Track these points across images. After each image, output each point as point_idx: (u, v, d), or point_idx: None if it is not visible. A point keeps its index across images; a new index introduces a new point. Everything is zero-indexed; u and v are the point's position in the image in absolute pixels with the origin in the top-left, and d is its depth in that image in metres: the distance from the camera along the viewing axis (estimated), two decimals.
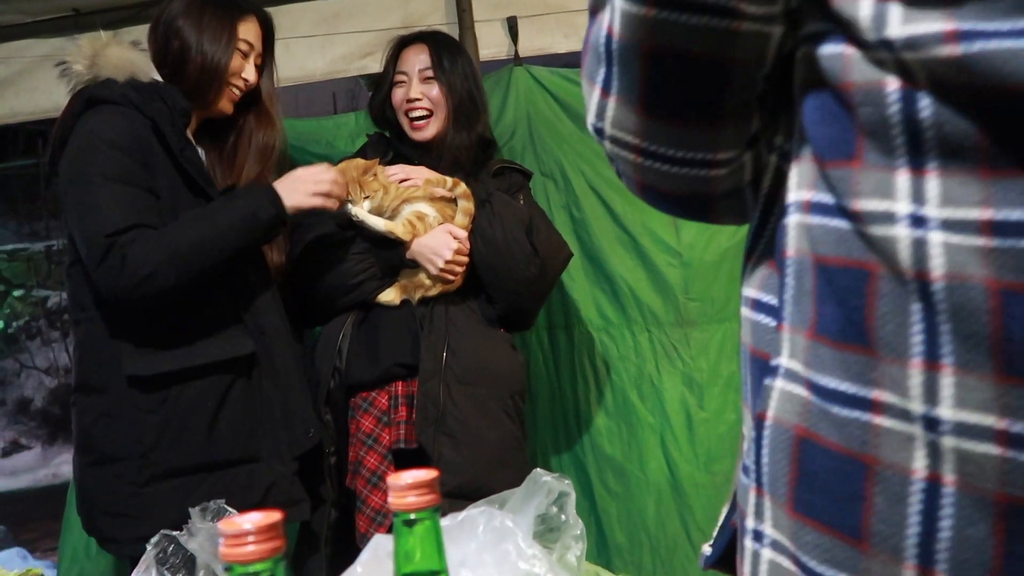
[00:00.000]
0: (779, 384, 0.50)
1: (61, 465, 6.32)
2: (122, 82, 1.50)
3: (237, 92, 1.62)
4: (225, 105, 1.62)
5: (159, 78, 1.55)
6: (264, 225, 1.52)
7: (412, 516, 0.51)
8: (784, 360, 0.50)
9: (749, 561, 0.52)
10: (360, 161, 1.73)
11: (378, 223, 1.69)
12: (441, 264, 1.67)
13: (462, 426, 1.62)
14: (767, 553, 0.50)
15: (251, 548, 0.42)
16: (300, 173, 1.60)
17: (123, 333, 1.47)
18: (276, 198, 1.54)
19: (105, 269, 1.41)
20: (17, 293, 7.43)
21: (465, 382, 1.65)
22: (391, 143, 1.86)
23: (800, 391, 0.48)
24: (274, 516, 0.43)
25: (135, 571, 1.32)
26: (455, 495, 1.49)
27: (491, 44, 2.28)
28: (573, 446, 2.26)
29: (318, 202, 1.58)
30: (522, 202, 1.83)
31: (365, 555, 0.59)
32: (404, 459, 1.66)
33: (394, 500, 0.51)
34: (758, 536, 0.51)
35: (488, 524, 0.59)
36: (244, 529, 0.42)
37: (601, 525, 2.21)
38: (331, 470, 1.66)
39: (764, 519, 0.50)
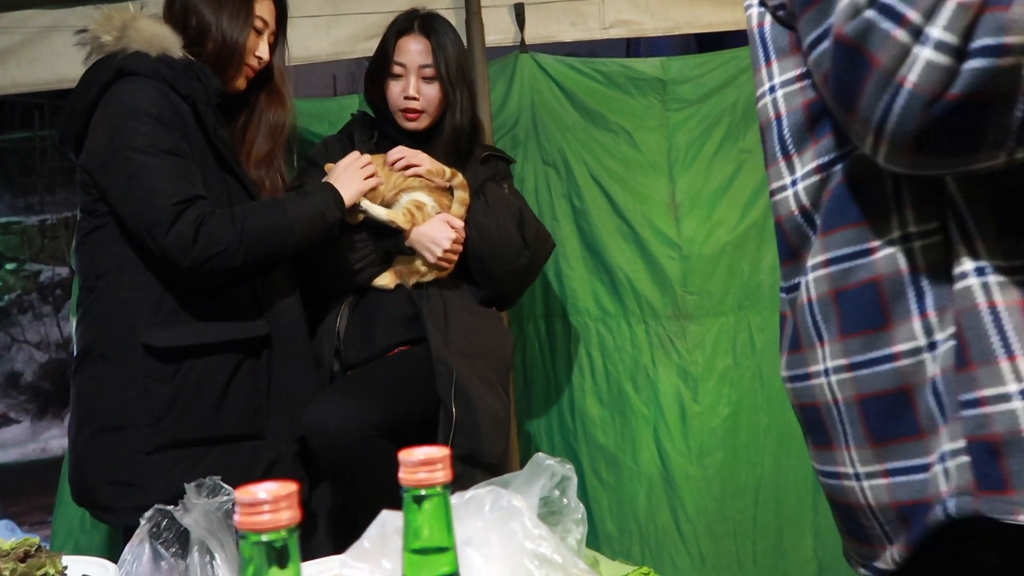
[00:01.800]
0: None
1: (50, 440, 6.31)
2: (154, 56, 1.50)
3: (251, 70, 1.62)
4: (239, 83, 1.62)
5: (189, 55, 1.54)
6: (328, 224, 1.59)
7: (423, 492, 0.51)
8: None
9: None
10: (366, 156, 1.75)
11: (380, 212, 1.71)
12: (440, 253, 1.70)
13: (472, 392, 1.65)
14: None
15: (266, 517, 0.42)
16: (345, 165, 1.67)
17: (140, 303, 1.48)
18: (341, 201, 1.61)
19: (176, 236, 1.43)
20: (10, 266, 7.39)
21: (466, 354, 1.68)
22: (376, 124, 1.86)
23: None
24: (290, 487, 0.43)
25: (128, 544, 1.32)
26: (466, 459, 1.53)
27: (497, 30, 2.27)
28: (566, 435, 2.26)
29: (373, 182, 1.68)
30: (507, 190, 1.86)
31: (372, 530, 0.59)
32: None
33: (405, 476, 0.51)
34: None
35: (495, 503, 0.59)
36: (260, 498, 0.42)
37: (592, 514, 2.22)
38: None
39: None
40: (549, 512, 0.71)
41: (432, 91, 1.79)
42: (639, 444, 2.21)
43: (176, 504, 1.23)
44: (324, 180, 1.66)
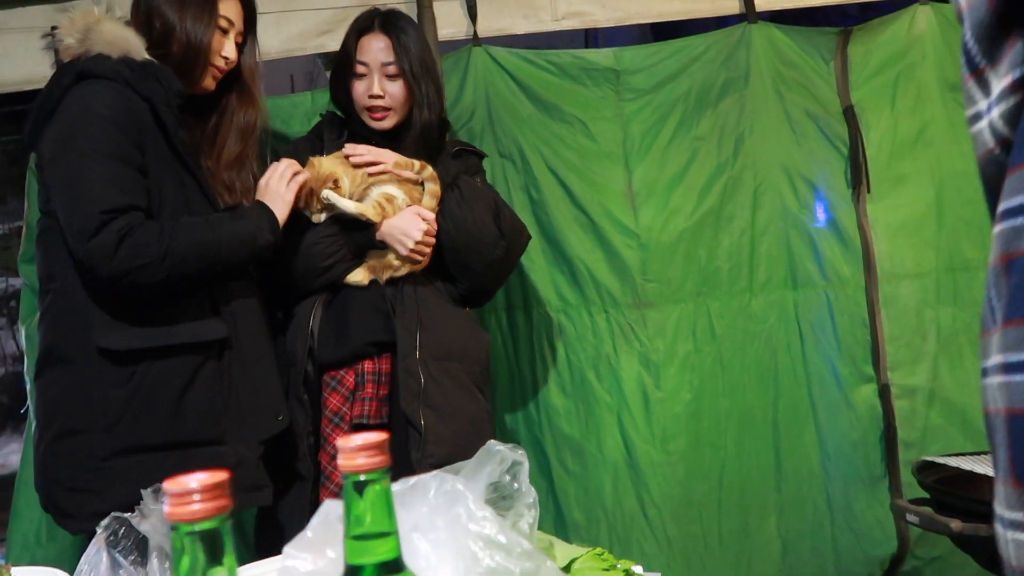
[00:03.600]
0: None
1: (9, 455, 6.15)
2: (115, 59, 1.48)
3: (218, 71, 1.61)
4: (207, 83, 1.61)
5: (150, 58, 1.53)
6: (259, 248, 1.58)
7: (362, 478, 0.51)
8: None
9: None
10: (330, 157, 1.74)
11: (349, 205, 1.70)
12: (411, 245, 1.69)
13: (444, 399, 1.66)
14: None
15: (197, 507, 0.42)
16: (265, 181, 1.66)
17: (96, 306, 1.46)
18: (275, 223, 1.60)
19: (98, 245, 1.41)
20: None
21: (440, 358, 1.68)
22: (346, 123, 1.85)
23: None
24: (220, 475, 0.43)
25: (85, 553, 1.30)
26: (444, 465, 1.53)
27: (449, 24, 2.26)
28: (531, 426, 2.27)
29: (297, 183, 1.66)
30: (479, 183, 1.85)
31: (315, 520, 0.59)
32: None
33: (344, 462, 0.51)
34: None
35: (439, 488, 0.59)
36: (190, 488, 0.42)
37: (559, 503, 2.23)
38: (310, 449, 1.66)
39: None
40: (500, 497, 0.71)
41: (396, 88, 1.78)
42: (603, 432, 2.22)
43: (134, 511, 1.22)
44: (256, 198, 1.64)
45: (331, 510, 0.59)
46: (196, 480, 0.42)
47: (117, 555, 1.31)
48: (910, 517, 1.70)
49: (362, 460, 0.51)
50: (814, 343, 2.29)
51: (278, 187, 1.64)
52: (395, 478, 1.84)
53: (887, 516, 2.20)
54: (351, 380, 1.68)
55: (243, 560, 1.82)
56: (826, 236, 2.31)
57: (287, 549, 0.59)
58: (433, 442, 1.61)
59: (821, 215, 2.33)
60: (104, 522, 1.30)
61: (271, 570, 0.79)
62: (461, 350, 1.74)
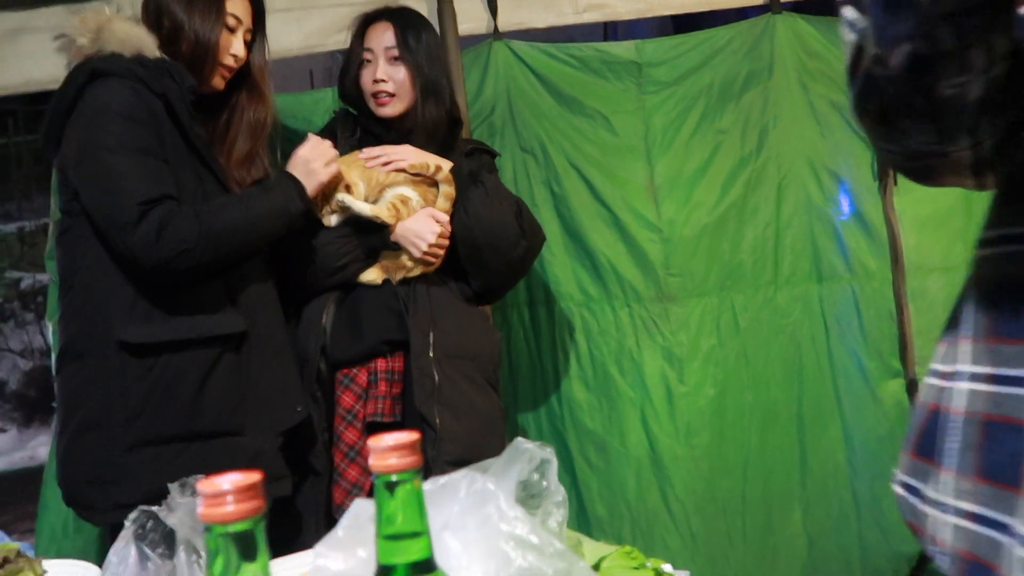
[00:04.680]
0: None
1: (38, 448, 6.25)
2: (128, 57, 1.50)
3: (227, 69, 1.62)
4: (217, 82, 1.62)
5: (163, 55, 1.54)
6: (292, 217, 1.60)
7: (394, 478, 0.51)
8: None
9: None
10: (345, 159, 1.74)
11: (364, 208, 1.70)
12: (425, 247, 1.69)
13: (458, 397, 1.66)
14: None
15: (231, 508, 0.42)
16: (303, 154, 1.65)
17: (116, 300, 1.48)
18: (303, 192, 1.62)
19: (142, 236, 1.43)
20: None
21: (453, 356, 1.68)
22: (358, 120, 1.85)
23: None
24: (253, 476, 0.43)
25: (113, 546, 1.31)
26: (460, 463, 1.52)
27: (470, 18, 2.25)
28: (554, 420, 2.27)
29: (334, 169, 1.67)
30: None
31: (345, 520, 0.59)
32: (382, 432, 1.67)
33: (375, 462, 0.51)
34: None
35: (470, 488, 0.59)
36: (223, 489, 0.42)
37: (582, 498, 2.23)
38: (326, 446, 1.67)
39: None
40: (529, 495, 0.71)
41: (400, 74, 1.78)
42: (626, 427, 2.21)
43: (156, 502, 1.23)
44: (285, 170, 1.65)
45: (362, 510, 0.59)
46: (229, 481, 0.42)
47: (145, 548, 1.33)
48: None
49: (394, 460, 0.50)
50: (839, 337, 2.26)
51: (315, 163, 1.63)
52: None
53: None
54: (364, 378, 1.68)
55: None
56: (852, 229, 2.28)
57: (318, 548, 0.59)
58: (448, 440, 1.61)
59: (846, 208, 2.30)
60: (132, 515, 1.31)
61: (299, 565, 0.79)
62: (474, 348, 1.74)
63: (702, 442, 2.21)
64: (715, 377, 2.22)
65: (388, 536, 0.51)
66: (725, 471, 2.22)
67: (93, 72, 1.48)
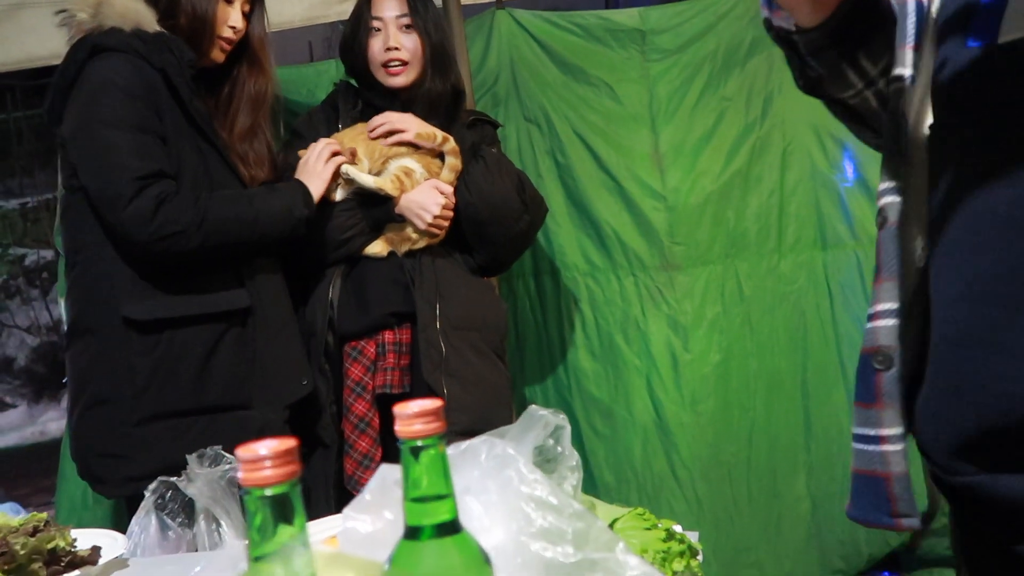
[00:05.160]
0: None
1: (48, 423, 6.32)
2: (128, 31, 1.50)
3: (226, 42, 1.61)
4: (216, 55, 1.61)
5: (162, 29, 1.54)
6: (295, 221, 1.60)
7: (419, 443, 0.53)
8: None
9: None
10: (349, 131, 1.75)
11: (367, 180, 1.71)
12: (429, 219, 1.70)
13: (466, 368, 1.68)
14: None
15: (268, 472, 0.43)
16: (305, 157, 1.69)
17: (121, 277, 1.49)
18: (309, 199, 1.63)
19: (134, 211, 1.44)
20: None
21: (459, 328, 1.70)
22: (360, 92, 1.85)
23: None
24: (289, 442, 0.45)
25: (135, 516, 1.34)
26: (468, 433, 1.54)
27: None
28: (560, 389, 2.29)
29: (334, 165, 1.68)
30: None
31: (372, 483, 0.61)
32: (390, 403, 1.69)
33: (401, 428, 0.52)
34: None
35: (490, 452, 0.61)
36: (261, 454, 0.44)
37: (589, 465, 2.26)
38: (334, 418, 1.69)
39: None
40: (544, 460, 0.73)
41: (412, 42, 1.77)
42: (632, 395, 2.24)
43: (166, 474, 1.26)
44: (294, 176, 1.67)
45: (387, 474, 0.61)
46: (267, 447, 0.44)
47: (165, 517, 1.36)
48: None
49: (419, 426, 0.52)
50: (844, 303, 2.28)
51: (315, 165, 1.67)
52: None
53: (917, 475, 2.21)
54: (372, 350, 1.70)
55: None
56: (856, 195, 2.28)
57: (347, 511, 0.61)
58: (456, 410, 1.63)
59: (851, 174, 2.30)
60: (151, 486, 1.34)
61: (328, 528, 0.81)
62: (480, 319, 1.75)
63: (707, 409, 2.23)
64: (720, 344, 2.24)
65: (415, 499, 0.53)
66: (730, 437, 2.25)
67: (93, 48, 1.48)
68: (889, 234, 0.78)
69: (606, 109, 2.25)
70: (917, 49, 0.78)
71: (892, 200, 0.79)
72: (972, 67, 0.73)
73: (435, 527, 0.53)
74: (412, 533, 0.53)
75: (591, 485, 2.26)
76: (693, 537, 0.88)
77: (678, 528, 0.84)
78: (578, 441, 2.28)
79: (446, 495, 0.53)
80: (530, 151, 2.25)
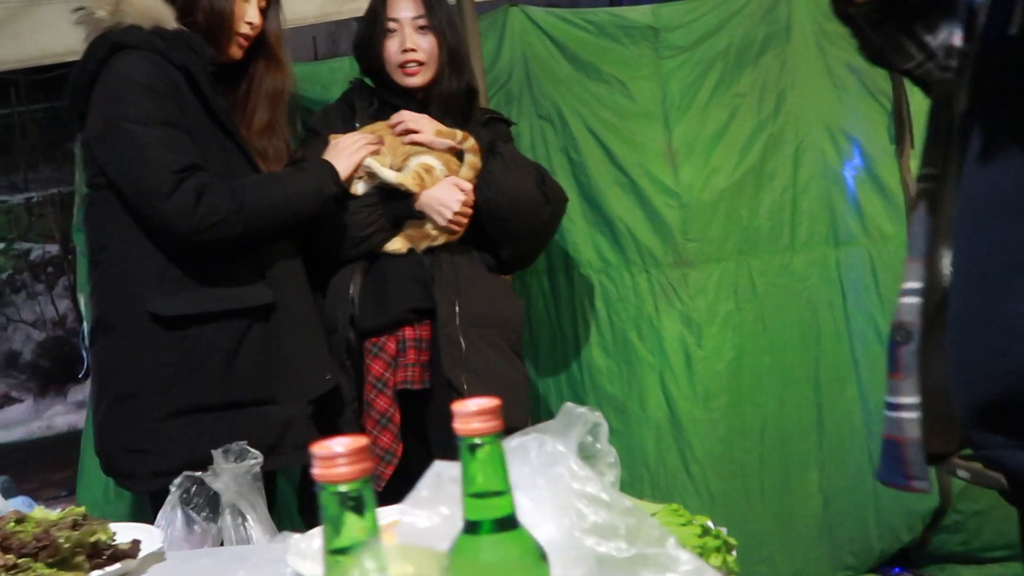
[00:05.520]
0: None
1: (54, 417, 6.34)
2: (147, 29, 1.50)
3: (244, 38, 1.62)
4: (234, 51, 1.62)
5: (181, 26, 1.55)
6: (325, 199, 1.63)
7: (477, 440, 0.54)
8: None
9: None
10: (371, 127, 1.77)
11: (389, 174, 1.72)
12: (449, 216, 1.71)
13: (485, 364, 1.69)
14: None
15: (343, 469, 0.44)
16: (338, 141, 1.71)
17: (146, 273, 1.50)
18: (337, 176, 1.65)
19: (175, 205, 1.46)
20: None
21: (478, 324, 1.71)
22: (375, 91, 1.86)
23: None
24: (362, 440, 0.46)
25: (161, 511, 1.36)
26: None
27: None
28: (574, 386, 2.30)
29: (366, 151, 1.71)
30: None
31: (427, 480, 0.62)
32: (410, 399, 1.71)
33: (459, 426, 0.54)
34: None
35: (540, 449, 0.62)
36: (336, 451, 0.45)
37: None
38: (356, 414, 1.70)
39: None
40: (584, 457, 0.74)
41: (428, 43, 1.78)
42: (646, 391, 2.25)
43: (192, 470, 1.27)
44: (323, 156, 1.68)
45: (442, 470, 0.62)
46: (341, 444, 0.45)
47: (191, 512, 1.37)
48: (960, 472, 1.71)
49: (477, 424, 0.53)
50: (856, 300, 2.29)
51: (348, 147, 1.69)
52: (440, 442, 1.86)
53: (930, 471, 2.22)
54: (392, 346, 1.71)
55: (291, 525, 1.87)
56: (868, 192, 2.29)
57: (403, 506, 0.62)
58: None
59: (863, 171, 2.31)
60: (177, 481, 1.35)
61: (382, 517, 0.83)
62: (498, 316, 1.77)
63: (720, 405, 2.25)
64: (733, 341, 2.25)
65: (473, 494, 0.54)
66: (743, 433, 2.26)
67: (113, 45, 1.49)
68: (919, 217, 0.84)
69: (619, 106, 2.26)
70: (967, 40, 0.80)
71: (927, 187, 0.83)
72: (1003, 56, 0.75)
73: (493, 522, 0.54)
74: (471, 527, 0.54)
75: None
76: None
77: (712, 525, 0.85)
78: None
79: (503, 491, 0.54)
80: (543, 148, 2.26)
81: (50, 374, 6.77)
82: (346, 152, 1.68)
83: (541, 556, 0.55)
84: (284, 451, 1.56)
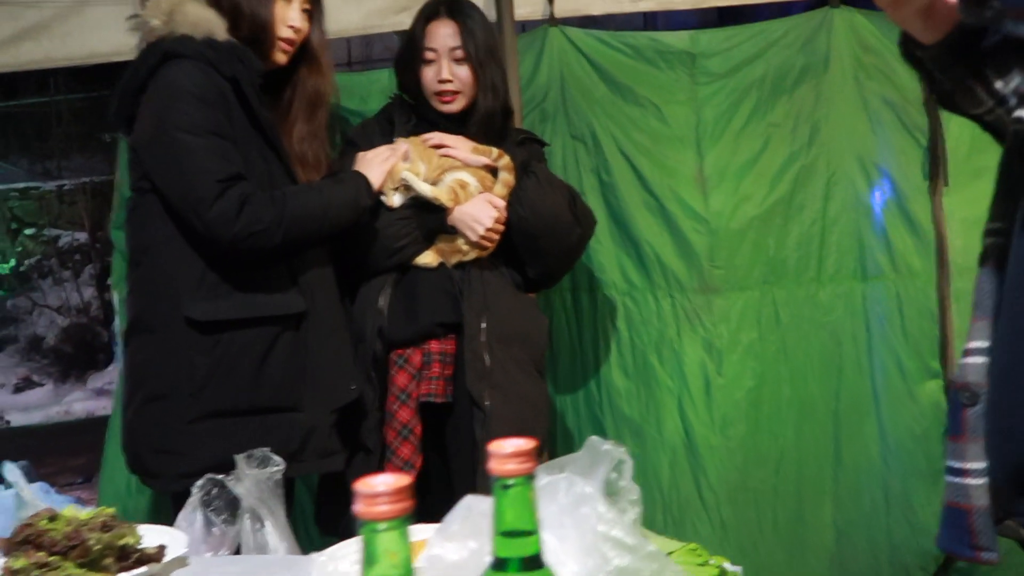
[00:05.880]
0: None
1: (72, 403, 6.42)
2: (199, 39, 1.53)
3: (288, 43, 1.64)
4: (278, 56, 1.64)
5: (231, 38, 1.57)
6: (360, 210, 1.66)
7: (511, 482, 0.55)
8: None
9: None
10: (408, 140, 1.79)
11: (425, 188, 1.75)
12: (481, 232, 1.73)
13: (508, 381, 1.71)
14: None
15: (383, 508, 0.46)
16: (362, 155, 1.74)
17: (184, 277, 1.53)
18: (370, 187, 1.68)
19: (218, 213, 1.49)
20: (29, 232, 7.45)
21: (504, 341, 1.73)
22: (414, 108, 1.88)
23: None
24: (404, 480, 0.47)
25: (181, 512, 1.38)
26: None
27: (526, 3, 2.26)
28: (592, 405, 2.31)
29: (394, 159, 1.73)
30: None
31: (458, 513, 0.63)
32: (432, 412, 1.72)
33: (495, 466, 0.55)
34: None
35: (569, 490, 0.63)
36: (378, 490, 0.46)
37: None
38: (378, 424, 1.72)
39: None
40: (607, 493, 0.75)
41: (464, 72, 1.81)
42: (663, 415, 2.25)
43: (217, 472, 1.29)
44: (353, 168, 1.71)
45: (472, 504, 0.64)
46: (384, 483, 0.46)
47: (210, 514, 1.39)
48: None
49: (512, 466, 0.54)
50: (881, 335, 2.27)
51: (375, 158, 1.72)
52: (459, 456, 1.88)
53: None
54: (418, 359, 1.73)
55: (306, 531, 1.85)
56: (899, 228, 2.28)
57: (433, 538, 0.63)
58: (497, 421, 1.66)
59: (895, 206, 2.30)
60: (199, 483, 1.38)
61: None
62: (524, 334, 1.78)
63: (737, 433, 2.24)
64: (754, 370, 2.25)
65: (503, 532, 0.55)
66: (759, 462, 2.25)
67: (165, 54, 1.52)
68: (987, 274, 0.81)
69: (652, 129, 2.27)
70: None
71: (995, 242, 0.80)
72: None
73: (521, 560, 0.55)
74: (499, 565, 0.55)
75: None
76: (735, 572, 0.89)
77: (728, 566, 0.86)
78: None
79: (532, 531, 0.55)
80: (575, 168, 2.27)
81: (72, 360, 6.86)
82: (376, 162, 1.71)
83: None
84: (306, 458, 1.58)
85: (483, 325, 1.71)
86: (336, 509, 1.74)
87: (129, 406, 1.59)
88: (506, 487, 0.55)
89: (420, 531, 0.83)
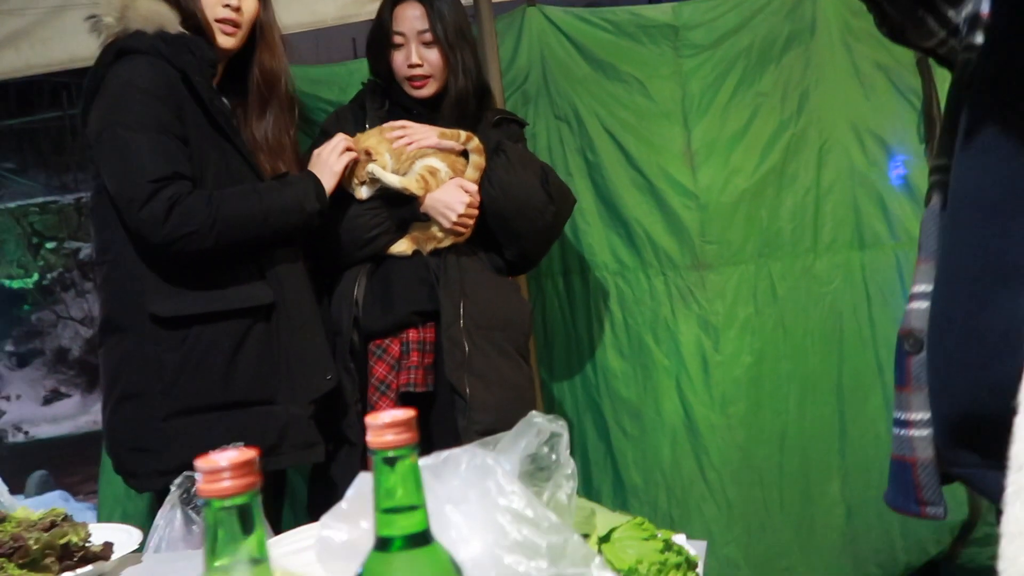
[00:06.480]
0: None
1: (99, 413, 6.53)
2: (151, 33, 1.53)
3: (231, 25, 1.61)
4: (222, 40, 1.62)
5: (183, 30, 1.57)
6: (306, 216, 1.61)
7: (390, 454, 0.52)
8: None
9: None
10: (373, 131, 1.77)
11: (392, 179, 1.72)
12: (454, 218, 1.70)
13: (488, 367, 1.68)
14: None
15: (227, 484, 0.44)
16: (317, 151, 1.70)
17: (147, 275, 1.53)
18: (322, 192, 1.64)
19: (148, 214, 1.47)
20: (50, 245, 7.57)
21: (483, 327, 1.70)
22: (388, 92, 1.86)
23: None
24: (249, 453, 0.45)
25: (160, 510, 1.38)
26: (489, 432, 1.55)
27: None
28: (589, 389, 2.28)
29: (348, 157, 1.69)
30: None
31: (351, 492, 0.61)
32: (413, 402, 1.71)
33: (372, 439, 0.52)
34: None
35: (471, 462, 0.60)
36: (220, 466, 0.44)
37: (617, 466, 2.24)
38: (359, 416, 1.71)
39: None
40: (538, 468, 0.72)
41: (434, 56, 1.78)
42: (662, 395, 2.21)
43: (193, 469, 1.28)
44: (308, 168, 1.68)
45: (365, 482, 0.61)
46: (226, 458, 0.44)
47: (190, 512, 1.39)
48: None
49: (390, 437, 0.52)
50: (882, 305, 2.21)
51: (328, 158, 1.68)
52: (443, 445, 1.86)
53: (958, 483, 2.14)
54: (396, 349, 1.71)
55: (297, 522, 1.87)
56: (896, 194, 2.22)
57: (324, 519, 0.61)
58: (478, 409, 1.64)
59: (891, 172, 2.24)
60: (177, 481, 1.37)
61: (308, 536, 0.82)
62: (504, 319, 1.75)
63: (738, 411, 2.20)
64: (752, 346, 2.20)
65: (386, 510, 0.53)
66: (762, 440, 2.20)
67: (119, 51, 1.52)
68: (931, 214, 0.76)
69: (637, 106, 2.22)
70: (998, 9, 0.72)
71: (939, 179, 0.75)
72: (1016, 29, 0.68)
73: (405, 538, 0.53)
74: (383, 544, 0.53)
75: (619, 486, 2.25)
76: (699, 548, 0.86)
77: (679, 538, 0.83)
78: (606, 442, 2.26)
79: (417, 506, 0.53)
80: (560, 149, 2.24)
81: (97, 370, 6.96)
82: (329, 162, 1.67)
83: (456, 573, 0.53)
84: (285, 451, 1.57)
85: (461, 312, 1.69)
86: (327, 500, 1.73)
87: (106, 406, 1.59)
88: (387, 460, 0.53)
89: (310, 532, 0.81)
